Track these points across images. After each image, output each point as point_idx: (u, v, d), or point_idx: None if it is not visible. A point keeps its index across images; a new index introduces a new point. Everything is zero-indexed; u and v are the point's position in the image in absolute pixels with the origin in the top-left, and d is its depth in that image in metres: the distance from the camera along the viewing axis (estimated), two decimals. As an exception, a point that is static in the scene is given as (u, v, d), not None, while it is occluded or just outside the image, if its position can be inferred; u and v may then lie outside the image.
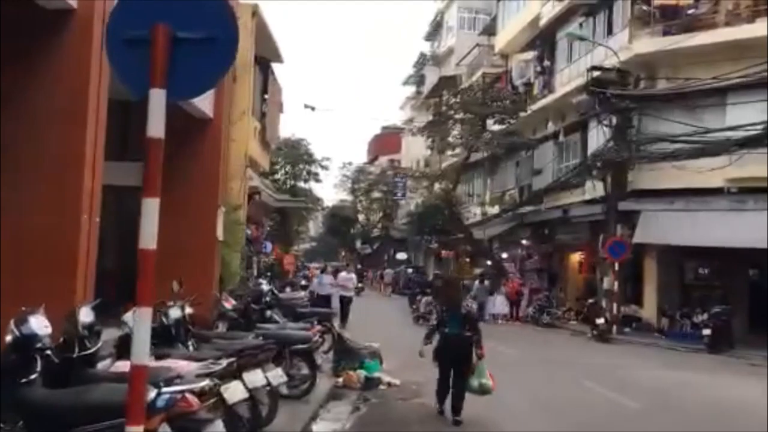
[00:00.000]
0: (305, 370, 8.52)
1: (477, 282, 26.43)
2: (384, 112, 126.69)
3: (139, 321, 3.75)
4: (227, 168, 17.87)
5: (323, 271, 23.71)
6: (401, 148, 59.65)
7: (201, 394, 4.63)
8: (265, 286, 14.56)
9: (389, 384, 10.39)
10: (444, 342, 8.60)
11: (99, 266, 8.27)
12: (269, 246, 32.31)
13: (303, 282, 25.85)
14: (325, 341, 12.46)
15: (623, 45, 21.92)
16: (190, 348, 6.98)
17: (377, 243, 61.77)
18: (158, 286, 10.11)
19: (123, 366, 4.81)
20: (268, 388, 6.30)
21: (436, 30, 54.04)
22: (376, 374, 10.42)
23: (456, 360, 8.50)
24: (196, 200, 13.13)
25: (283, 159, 33.08)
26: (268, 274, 27.90)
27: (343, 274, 21.60)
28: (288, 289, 20.39)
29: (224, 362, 5.27)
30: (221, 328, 9.01)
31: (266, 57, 22.25)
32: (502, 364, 14.42)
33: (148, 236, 3.88)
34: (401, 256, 51.19)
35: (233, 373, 5.57)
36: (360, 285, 37.35)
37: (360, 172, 57.77)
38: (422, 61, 56.26)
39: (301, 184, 37.70)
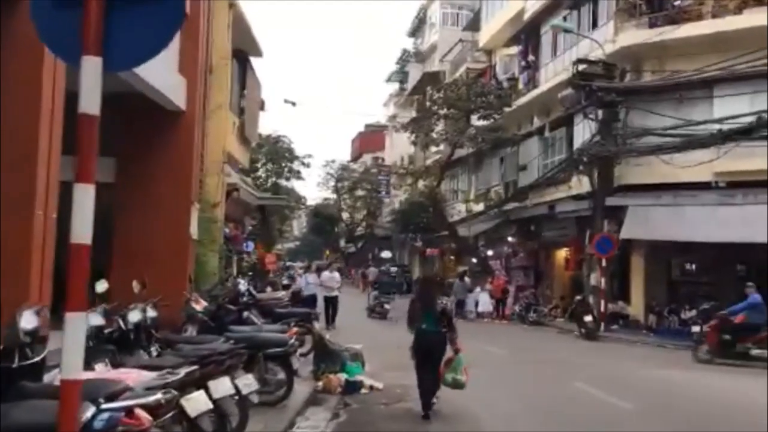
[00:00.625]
0: (281, 375, 7.98)
1: (457, 279, 26.30)
2: (368, 109, 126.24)
3: (70, 328, 3.20)
4: (203, 163, 17.30)
5: (308, 270, 23.16)
6: (385, 145, 59.23)
7: (156, 408, 4.10)
8: (242, 286, 14.03)
9: (372, 387, 9.86)
10: (419, 338, 8.66)
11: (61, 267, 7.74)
12: (251, 245, 31.72)
13: (285, 281, 25.22)
14: (305, 343, 12.00)
15: (608, 37, 21.57)
16: (153, 354, 6.43)
17: (361, 241, 61.26)
18: (125, 287, 9.63)
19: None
20: (236, 397, 5.76)
21: (419, 26, 53.63)
22: (358, 377, 9.90)
23: (430, 355, 8.59)
24: (168, 196, 12.54)
25: (264, 156, 32.41)
26: (250, 273, 27.35)
27: (326, 273, 20.91)
28: (269, 289, 19.82)
29: (183, 371, 4.72)
30: (191, 331, 8.45)
31: (244, 50, 21.68)
32: (490, 363, 14.02)
33: (82, 229, 3.31)
34: (386, 254, 50.72)
35: (196, 382, 5.03)
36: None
37: (344, 170, 57.16)
38: (405, 58, 55.84)
39: (283, 182, 37.02)
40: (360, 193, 56.15)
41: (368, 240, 58.70)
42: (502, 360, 14.64)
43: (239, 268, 29.11)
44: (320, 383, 9.70)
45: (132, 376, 4.39)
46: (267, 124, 42.59)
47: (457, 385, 8.73)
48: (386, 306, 23.19)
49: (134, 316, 6.26)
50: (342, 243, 66.52)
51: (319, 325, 12.95)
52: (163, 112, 12.59)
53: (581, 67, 21.20)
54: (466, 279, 26.41)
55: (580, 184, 22.55)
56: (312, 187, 54.85)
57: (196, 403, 4.92)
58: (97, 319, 6.21)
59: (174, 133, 12.79)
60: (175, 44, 12.88)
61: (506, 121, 29.14)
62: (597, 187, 21.10)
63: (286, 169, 35.43)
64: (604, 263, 20.56)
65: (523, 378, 12.39)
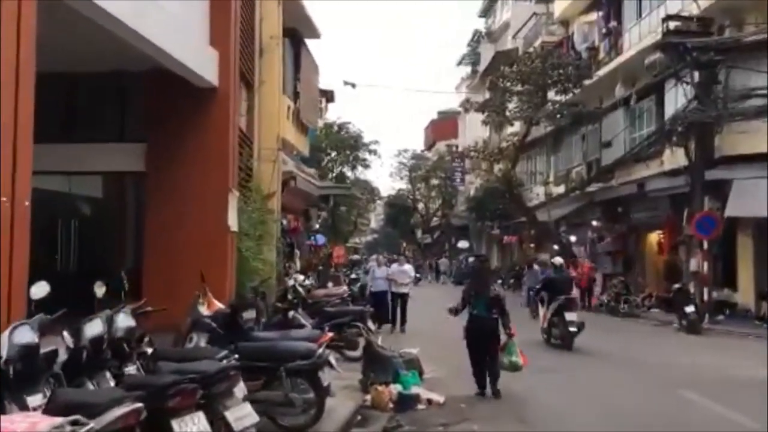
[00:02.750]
0: (311, 393, 6.40)
1: (526, 267, 24.69)
2: (440, 95, 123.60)
3: None
4: (252, 149, 16.00)
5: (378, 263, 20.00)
6: (459, 132, 57.19)
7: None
8: (291, 282, 12.63)
9: (430, 402, 8.17)
10: (471, 323, 9.09)
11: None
12: (321, 238, 30.49)
13: (354, 276, 23.70)
14: (357, 346, 10.47)
15: (704, -11, 19.01)
16: (133, 371, 4.99)
17: (437, 232, 59.47)
18: (158, 285, 8.35)
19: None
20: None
21: (490, 5, 51.38)
22: (414, 390, 8.23)
23: (482, 341, 8.93)
24: (202, 183, 11.22)
25: (328, 144, 30.97)
26: (320, 268, 26.11)
27: (394, 266, 17.98)
28: (330, 285, 18.37)
29: (110, 415, 3.19)
30: (197, 341, 6.98)
31: (298, 30, 20.26)
32: (572, 363, 12.12)
33: None
34: (463, 244, 48.82)
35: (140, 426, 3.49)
36: (417, 275, 35.30)
37: (417, 159, 55.41)
38: (477, 39, 53.61)
39: (348, 171, 35.61)
40: (434, 182, 54.38)
41: (444, 230, 56.84)
42: (587, 359, 12.64)
43: (308, 263, 28.03)
44: (368, 396, 8.09)
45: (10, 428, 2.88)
46: (335, 114, 41.26)
47: (515, 367, 8.98)
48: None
49: (93, 329, 4.79)
50: (418, 234, 64.94)
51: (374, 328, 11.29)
52: (194, 90, 11.24)
53: (672, 24, 18.76)
54: (535, 267, 24.27)
55: (674, 157, 20.09)
56: (385, 178, 53.12)
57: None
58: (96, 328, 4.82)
59: (207, 112, 11.43)
60: (204, 14, 11.54)
61: (586, 95, 26.72)
62: (695, 160, 18.63)
63: (351, 158, 33.85)
64: (705, 245, 18.10)
65: (612, 383, 10.37)
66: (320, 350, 6.40)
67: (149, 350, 5.58)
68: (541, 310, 15.11)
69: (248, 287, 11.86)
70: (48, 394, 3.95)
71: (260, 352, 6.24)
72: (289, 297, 11.08)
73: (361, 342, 10.21)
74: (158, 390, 3.98)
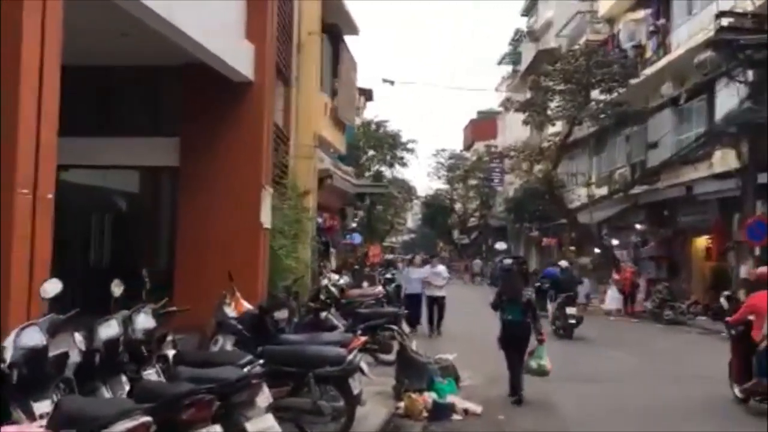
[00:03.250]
0: (341, 401, 6.06)
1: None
2: (480, 95, 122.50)
3: None
4: (288, 145, 15.76)
5: (411, 263, 19.17)
6: (498, 132, 56.44)
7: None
8: (324, 281, 12.34)
9: (466, 412, 7.78)
10: (505, 328, 9.08)
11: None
12: (358, 237, 30.18)
13: (389, 276, 23.28)
14: (392, 350, 10.12)
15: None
16: (153, 375, 4.71)
17: (475, 233, 58.78)
18: (190, 284, 8.10)
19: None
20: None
21: (532, 3, 50.54)
22: (450, 398, 7.84)
23: (516, 345, 8.93)
24: (235, 179, 10.99)
25: (365, 142, 30.61)
26: (356, 267, 25.82)
27: (427, 268, 17.04)
28: (365, 284, 18.03)
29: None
30: (222, 343, 6.67)
31: (337, 26, 19.98)
32: (613, 375, 11.51)
33: None
34: (500, 245, 48.03)
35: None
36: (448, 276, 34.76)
37: (455, 158, 54.80)
38: (518, 38, 52.79)
39: (385, 169, 35.17)
40: (472, 182, 53.74)
41: (482, 231, 56.15)
42: (630, 370, 12.02)
43: (344, 262, 27.78)
44: (401, 404, 7.73)
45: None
46: (373, 113, 40.93)
47: (542, 371, 8.95)
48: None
49: (108, 330, 4.51)
50: (455, 234, 64.34)
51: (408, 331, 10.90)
52: (228, 84, 11.02)
53: (725, 21, 17.98)
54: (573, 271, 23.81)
55: (725, 160, 19.28)
56: (422, 178, 52.58)
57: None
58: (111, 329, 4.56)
59: (242, 106, 11.21)
60: (241, 7, 11.31)
61: (631, 95, 25.92)
62: (747, 163, 17.83)
63: (389, 156, 33.40)
64: (757, 251, 17.31)
65: (660, 399, 9.64)
66: (351, 356, 6.05)
67: (171, 353, 5.30)
68: (550, 306, 16.99)
69: (280, 286, 11.60)
70: (53, 401, 3.68)
71: (288, 356, 5.93)
72: (322, 297, 10.75)
73: (395, 345, 9.86)
74: (171, 400, 3.68)
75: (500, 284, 10.59)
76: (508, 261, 40.31)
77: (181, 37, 8.97)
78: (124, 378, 4.48)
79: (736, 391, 9.10)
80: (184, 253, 11.02)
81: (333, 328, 10.31)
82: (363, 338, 6.85)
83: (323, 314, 10.43)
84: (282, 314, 10.76)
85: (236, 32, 10.96)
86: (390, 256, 37.12)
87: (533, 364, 8.89)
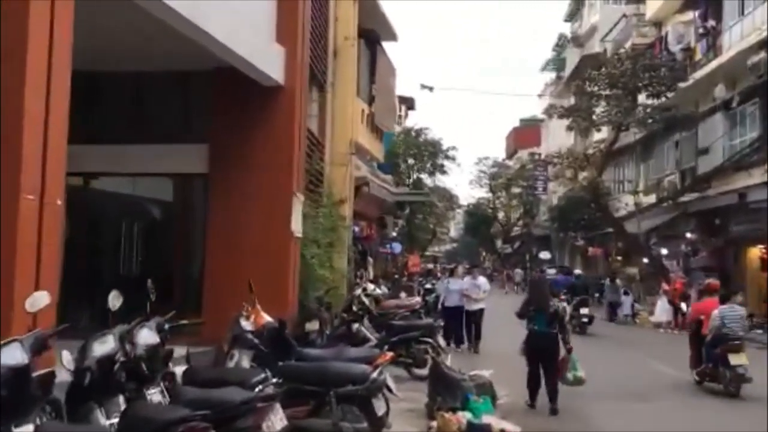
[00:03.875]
0: (364, 422, 5.62)
1: (608, 280, 24.31)
2: (523, 103, 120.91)
3: None
4: (323, 152, 15.43)
5: (452, 273, 17.49)
6: (541, 140, 55.43)
7: None
8: (358, 291, 11.94)
9: (503, 433, 7.26)
10: (530, 338, 9.13)
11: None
12: (397, 246, 29.76)
13: (428, 285, 22.74)
14: (426, 363, 9.65)
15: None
16: (156, 395, 4.34)
17: (518, 242, 57.77)
18: (219, 292, 7.81)
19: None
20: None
21: (576, 8, 49.56)
22: (486, 419, 7.32)
23: (542, 356, 8.96)
24: (266, 186, 10.71)
25: (405, 150, 30.06)
26: (396, 277, 25.40)
27: (467, 279, 15.66)
28: (403, 295, 17.52)
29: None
30: (238, 359, 6.27)
31: (374, 31, 19.67)
32: (663, 392, 10.86)
33: None
34: (544, 255, 47.04)
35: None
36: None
37: (498, 166, 53.92)
38: (562, 44, 51.81)
39: (426, 178, 34.55)
40: (516, 190, 52.82)
41: (525, 240, 55.14)
42: (682, 388, 11.28)
43: (384, 272, 27.39)
44: (434, 423, 7.25)
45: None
46: (414, 121, 40.45)
47: (578, 381, 9.07)
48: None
49: (102, 347, 4.11)
50: (498, 244, 63.38)
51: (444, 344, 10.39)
52: (259, 89, 10.77)
53: (780, 20, 17.10)
54: (618, 281, 24.55)
55: (782, 165, 18.31)
56: (465, 186, 51.70)
57: None
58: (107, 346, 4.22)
59: (272, 111, 10.95)
60: (271, 9, 11.03)
61: (680, 99, 24.97)
62: (806, 168, 16.89)
63: (429, 164, 32.73)
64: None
65: (716, 423, 8.95)
66: (375, 373, 5.61)
67: (180, 369, 4.94)
68: (568, 307, 17.88)
69: (313, 296, 11.26)
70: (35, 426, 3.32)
71: (308, 373, 5.54)
72: (354, 308, 10.35)
73: (429, 360, 9.39)
74: (160, 429, 3.30)
75: (528, 294, 10.47)
76: (551, 271, 39.55)
77: (206, 39, 8.72)
78: (121, 399, 4.12)
79: (694, 375, 11.34)
80: (213, 261, 10.77)
81: (365, 340, 9.93)
82: (390, 354, 6.39)
83: (355, 326, 10.05)
84: (313, 325, 10.43)
85: (266, 34, 10.70)
86: (430, 266, 36.58)
87: (569, 376, 8.99)
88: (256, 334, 6.47)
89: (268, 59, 10.52)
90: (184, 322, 5.39)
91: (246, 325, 6.56)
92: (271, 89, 10.81)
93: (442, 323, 11.89)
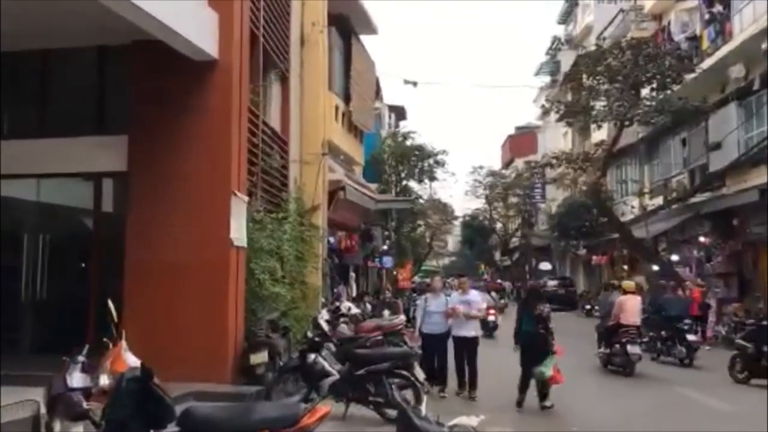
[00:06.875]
0: None
1: (602, 290, 22.23)
2: (517, 112, 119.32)
3: None
4: (287, 151, 13.37)
5: (428, 287, 13.75)
6: (537, 146, 53.57)
7: None
8: (321, 313, 9.83)
9: None
10: (521, 338, 9.94)
11: None
12: (388, 261, 27.68)
13: (418, 302, 20.52)
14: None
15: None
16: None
17: (517, 253, 55.65)
18: (141, 318, 5.86)
19: None
20: None
21: (570, 9, 47.94)
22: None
23: (531, 353, 9.62)
24: (197, 184, 8.65)
25: (390, 154, 27.94)
26: (388, 293, 23.25)
27: (454, 295, 10.99)
28: (386, 314, 15.38)
29: None
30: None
31: (348, 19, 17.69)
32: (689, 419, 8.84)
33: None
34: (544, 266, 45.06)
35: None
36: (503, 302, 31.84)
37: (493, 176, 51.87)
38: (556, 47, 50.08)
39: (414, 184, 32.42)
40: (513, 199, 50.73)
41: (524, 251, 53.00)
42: (711, 415, 9.25)
43: (376, 288, 25.25)
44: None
45: None
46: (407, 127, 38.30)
47: (541, 376, 9.44)
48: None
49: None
50: (497, 256, 61.22)
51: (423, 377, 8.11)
52: (187, 65, 8.72)
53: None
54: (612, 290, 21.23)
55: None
56: (460, 197, 49.57)
57: None
58: None
59: (204, 93, 8.88)
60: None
61: (688, 91, 22.97)
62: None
63: (416, 170, 30.53)
64: None
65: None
66: (311, 419, 3.42)
67: None
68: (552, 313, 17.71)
69: (264, 320, 9.17)
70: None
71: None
72: (309, 334, 8.24)
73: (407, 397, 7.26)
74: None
75: (520, 302, 11.56)
76: (552, 283, 37.42)
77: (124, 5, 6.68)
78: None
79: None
80: (133, 280, 8.65)
81: (323, 374, 7.85)
82: (323, 410, 4.13)
83: (311, 356, 7.94)
84: (260, 357, 8.36)
85: (195, -2, 8.67)
86: (428, 280, 34.37)
87: (536, 370, 9.50)
88: (109, 390, 4.21)
89: (198, 27, 8.49)
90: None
91: (78, 377, 4.26)
92: (202, 65, 8.78)
93: (421, 353, 9.47)
